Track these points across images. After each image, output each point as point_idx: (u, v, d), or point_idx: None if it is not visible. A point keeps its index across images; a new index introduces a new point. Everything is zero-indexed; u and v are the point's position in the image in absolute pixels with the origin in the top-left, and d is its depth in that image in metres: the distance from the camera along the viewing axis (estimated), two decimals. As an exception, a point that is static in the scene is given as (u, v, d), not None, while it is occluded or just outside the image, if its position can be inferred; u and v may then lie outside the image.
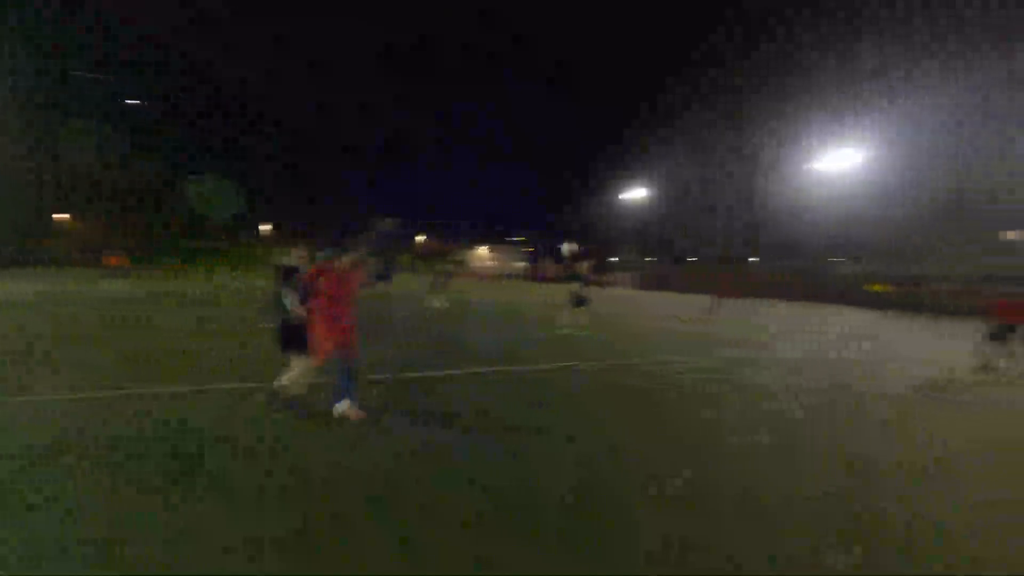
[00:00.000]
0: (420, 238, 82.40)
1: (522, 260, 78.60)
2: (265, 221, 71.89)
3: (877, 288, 41.17)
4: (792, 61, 58.47)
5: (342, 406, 4.83)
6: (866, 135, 42.52)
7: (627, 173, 61.57)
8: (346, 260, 4.90)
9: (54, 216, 54.00)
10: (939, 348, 13.47)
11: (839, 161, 40.99)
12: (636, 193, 58.43)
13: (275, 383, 5.01)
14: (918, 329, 19.39)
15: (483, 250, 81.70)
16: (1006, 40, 41.04)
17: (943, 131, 42.95)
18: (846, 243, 49.17)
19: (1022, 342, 9.35)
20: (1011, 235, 40.73)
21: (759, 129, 53.62)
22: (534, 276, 68.67)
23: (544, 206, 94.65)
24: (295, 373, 4.87)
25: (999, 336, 9.43)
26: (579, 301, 13.49)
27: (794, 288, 43.20)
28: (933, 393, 7.80)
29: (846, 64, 52.22)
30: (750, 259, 54.70)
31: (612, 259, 66.33)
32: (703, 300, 26.75)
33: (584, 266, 14.32)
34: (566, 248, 30.07)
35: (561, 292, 15.78)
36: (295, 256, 5.10)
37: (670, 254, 63.25)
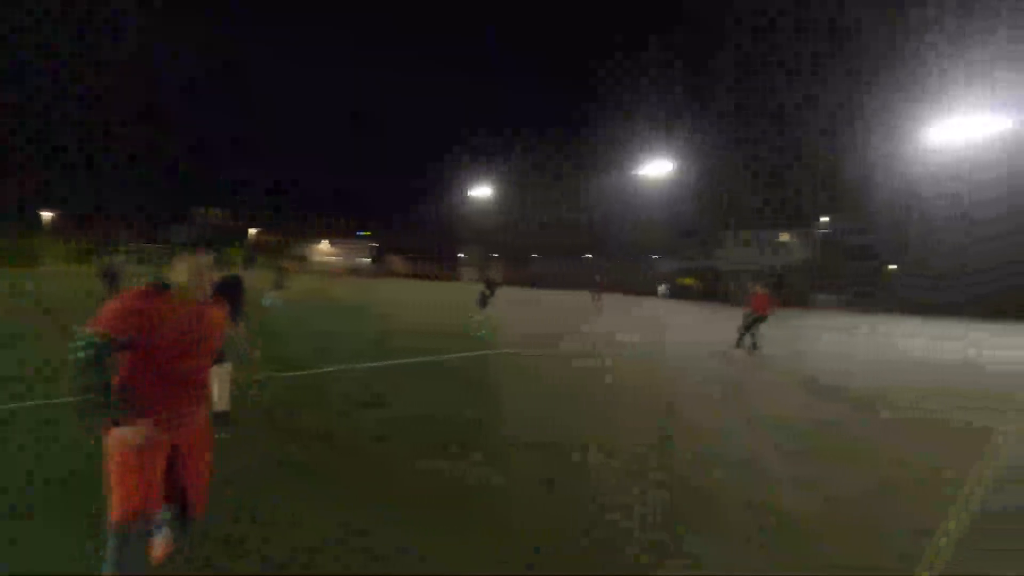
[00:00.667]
0: (253, 231, 73.94)
1: (367, 256, 74.75)
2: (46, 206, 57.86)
3: (688, 282, 47.15)
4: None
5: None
6: (681, 146, 47.81)
7: (474, 173, 61.94)
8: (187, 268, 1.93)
9: None
10: (712, 331, 15.16)
11: (659, 168, 45.40)
12: (482, 192, 59.09)
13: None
14: (708, 316, 21.96)
15: (325, 245, 76.18)
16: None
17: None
18: (666, 242, 54.97)
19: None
20: (784, 237, 49.02)
21: (593, 136, 57.59)
22: (379, 272, 65.69)
23: (392, 202, 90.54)
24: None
25: (751, 324, 10.70)
26: (483, 301, 15.23)
27: (622, 282, 46.95)
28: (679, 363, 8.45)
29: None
30: (585, 256, 58.64)
31: (460, 256, 66.40)
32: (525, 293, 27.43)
33: (492, 271, 15.63)
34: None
35: (408, 289, 14.70)
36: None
37: (512, 252, 65.07)
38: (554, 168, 63.19)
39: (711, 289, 43.08)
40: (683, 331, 15.07)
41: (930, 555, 2.71)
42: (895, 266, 42.21)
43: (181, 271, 1.91)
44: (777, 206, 45.48)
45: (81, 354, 1.65)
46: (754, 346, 10.59)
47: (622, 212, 52.95)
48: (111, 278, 12.58)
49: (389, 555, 2.43)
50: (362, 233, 77.20)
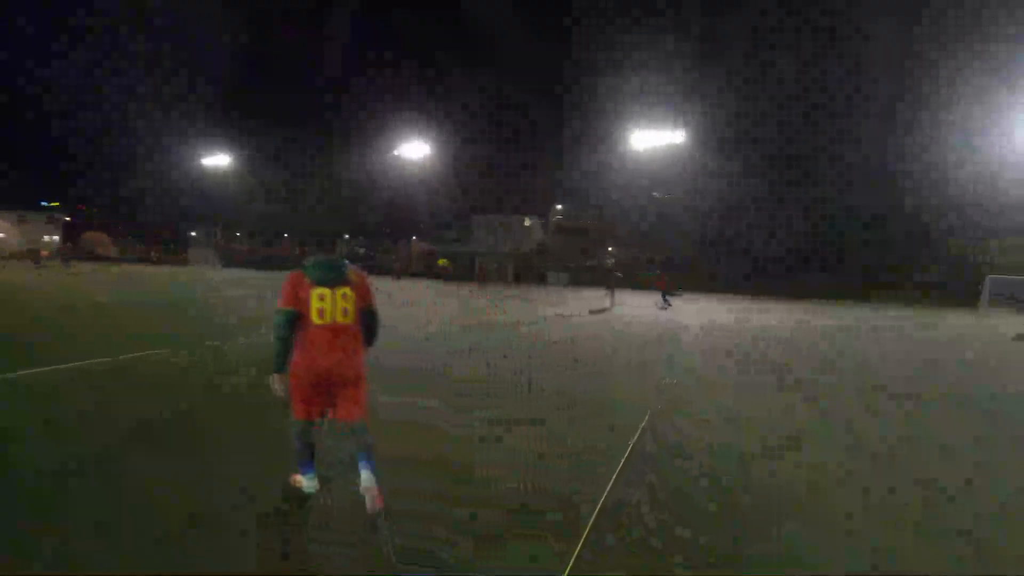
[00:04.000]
0: None
1: (56, 234, 57.95)
2: None
3: (443, 263, 49.48)
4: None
5: None
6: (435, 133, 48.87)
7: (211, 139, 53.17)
8: None
9: None
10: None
11: (415, 152, 45.63)
12: (219, 161, 51.21)
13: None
14: (457, 293, 22.94)
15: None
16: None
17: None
18: (425, 224, 56.13)
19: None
20: (527, 222, 54.73)
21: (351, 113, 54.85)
22: (75, 255, 51.62)
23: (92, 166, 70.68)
24: None
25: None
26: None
27: (391, 265, 46.37)
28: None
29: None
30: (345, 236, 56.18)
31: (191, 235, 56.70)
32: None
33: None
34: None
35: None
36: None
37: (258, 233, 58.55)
38: (309, 140, 58.39)
39: (464, 270, 45.76)
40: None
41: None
42: (611, 248, 50.99)
43: None
44: (518, 195, 50.56)
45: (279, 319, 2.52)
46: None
47: (381, 193, 52.09)
48: None
49: None
50: (47, 204, 59.66)
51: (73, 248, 47.65)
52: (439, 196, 50.81)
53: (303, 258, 2.75)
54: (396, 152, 44.98)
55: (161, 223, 56.16)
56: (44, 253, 40.84)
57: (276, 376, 2.54)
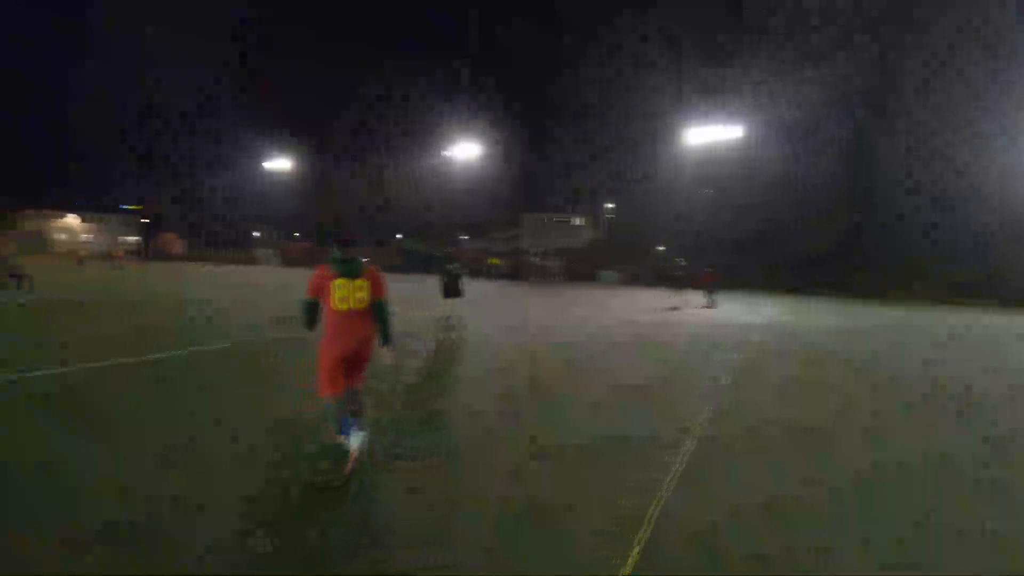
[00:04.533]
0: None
1: (135, 235, 62.25)
2: None
3: (495, 261, 49.73)
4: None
5: None
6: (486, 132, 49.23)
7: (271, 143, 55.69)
8: None
9: None
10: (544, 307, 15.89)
11: (466, 152, 46.14)
12: (280, 165, 53.56)
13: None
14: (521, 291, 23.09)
15: (73, 221, 61.54)
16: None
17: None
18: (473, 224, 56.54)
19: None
20: (577, 220, 54.23)
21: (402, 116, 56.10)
22: (150, 255, 55.29)
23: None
24: None
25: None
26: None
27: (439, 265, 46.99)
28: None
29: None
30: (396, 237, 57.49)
31: (255, 236, 59.48)
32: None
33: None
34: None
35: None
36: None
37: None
38: (362, 145, 60.14)
39: (514, 267, 45.82)
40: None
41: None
42: (661, 247, 49.76)
43: None
44: (569, 193, 50.19)
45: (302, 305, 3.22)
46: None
47: (431, 194, 52.93)
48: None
49: None
50: (127, 207, 64.19)
51: (151, 248, 51.11)
52: (489, 195, 51.15)
53: (330, 255, 3.22)
54: (447, 152, 45.59)
55: (228, 224, 59.29)
56: (118, 254, 43.60)
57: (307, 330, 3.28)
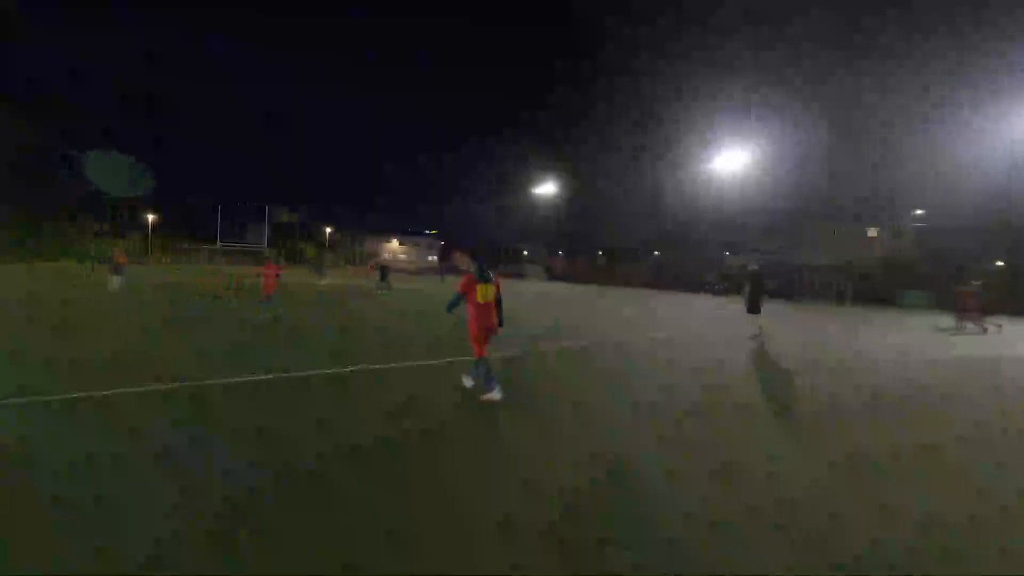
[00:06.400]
0: (329, 230, 78.36)
1: (436, 253, 77.41)
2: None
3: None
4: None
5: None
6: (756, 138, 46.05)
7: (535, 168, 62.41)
8: None
9: None
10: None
11: (733, 161, 43.74)
12: (545, 187, 59.58)
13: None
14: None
15: (394, 243, 79.65)
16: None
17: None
18: (743, 237, 52.94)
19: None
20: (872, 232, 46.03)
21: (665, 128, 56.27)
22: (442, 272, 67.49)
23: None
24: None
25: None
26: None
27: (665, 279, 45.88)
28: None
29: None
30: (655, 252, 57.86)
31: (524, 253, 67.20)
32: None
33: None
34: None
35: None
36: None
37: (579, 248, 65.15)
38: (623, 161, 62.57)
39: (785, 287, 41.28)
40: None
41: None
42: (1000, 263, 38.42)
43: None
44: (861, 199, 42.98)
45: (452, 298, 4.93)
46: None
47: (695, 207, 51.87)
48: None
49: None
50: (429, 231, 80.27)
51: (446, 265, 62.98)
52: (760, 204, 47.57)
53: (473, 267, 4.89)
54: (713, 164, 44.10)
55: (502, 241, 68.69)
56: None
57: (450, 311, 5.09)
